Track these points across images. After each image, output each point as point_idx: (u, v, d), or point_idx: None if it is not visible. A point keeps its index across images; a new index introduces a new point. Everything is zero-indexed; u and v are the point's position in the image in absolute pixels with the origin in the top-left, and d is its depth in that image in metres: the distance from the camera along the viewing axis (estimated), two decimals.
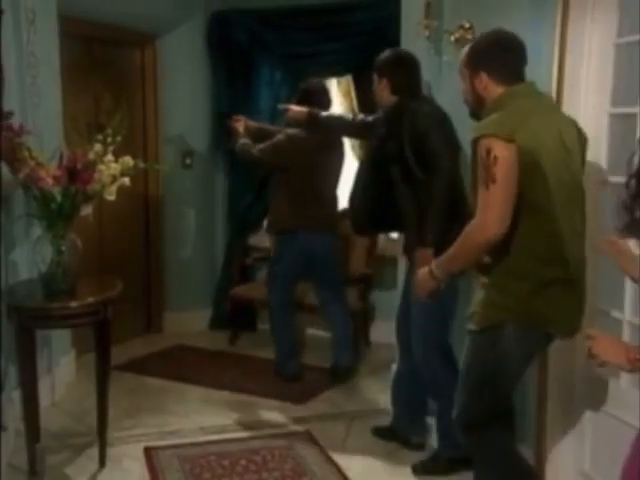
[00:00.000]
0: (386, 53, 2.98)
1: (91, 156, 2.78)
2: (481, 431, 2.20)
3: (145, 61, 4.62)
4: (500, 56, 2.15)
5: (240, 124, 3.93)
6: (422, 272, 2.29)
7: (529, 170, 1.99)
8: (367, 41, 4.21)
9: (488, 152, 1.97)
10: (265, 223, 4.26)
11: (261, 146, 3.81)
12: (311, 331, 4.57)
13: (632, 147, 2.25)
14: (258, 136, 3.92)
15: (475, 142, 2.03)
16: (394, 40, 3.56)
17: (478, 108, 2.19)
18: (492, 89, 2.14)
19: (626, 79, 2.37)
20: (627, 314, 2.34)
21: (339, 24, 4.36)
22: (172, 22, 4.58)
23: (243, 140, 3.87)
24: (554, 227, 2.04)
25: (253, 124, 3.99)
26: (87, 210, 2.85)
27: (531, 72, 2.57)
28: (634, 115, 2.30)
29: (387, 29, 3.80)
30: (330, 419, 3.45)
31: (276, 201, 3.88)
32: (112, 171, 2.78)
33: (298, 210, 3.77)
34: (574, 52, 2.45)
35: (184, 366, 4.18)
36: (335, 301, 3.96)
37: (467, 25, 2.91)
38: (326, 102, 3.82)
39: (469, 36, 2.90)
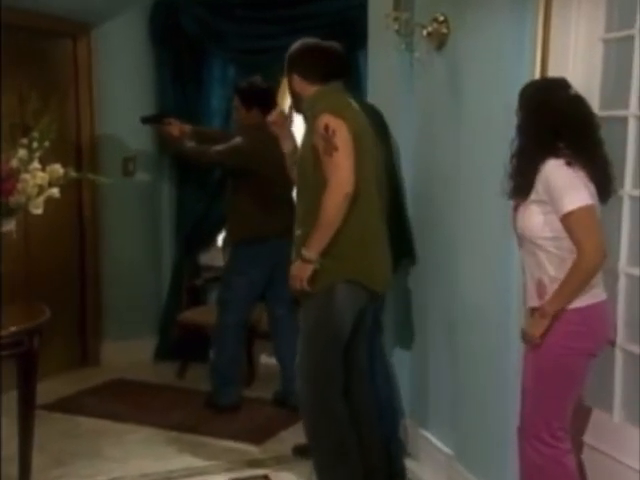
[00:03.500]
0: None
1: (14, 163, 2.78)
2: (314, 380, 2.83)
3: (78, 54, 4.58)
4: (308, 61, 2.88)
5: (174, 128, 3.99)
6: (294, 265, 2.78)
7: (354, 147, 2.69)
8: (333, 34, 4.22)
9: (326, 127, 2.65)
10: (224, 233, 4.26)
11: (219, 148, 3.85)
12: (266, 359, 4.57)
13: (621, 151, 2.33)
14: (197, 139, 3.99)
15: (313, 122, 2.72)
16: (363, 33, 3.59)
17: (297, 103, 2.92)
18: (305, 87, 2.86)
19: (615, 79, 2.42)
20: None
21: (302, 15, 4.37)
22: (110, 9, 4.55)
23: (190, 143, 3.94)
24: (369, 200, 2.75)
25: (188, 127, 4.06)
26: (9, 225, 2.84)
27: (511, 70, 2.60)
28: (625, 119, 2.35)
29: (355, 21, 3.82)
30: (291, 461, 3.43)
31: (241, 208, 3.92)
32: (39, 181, 2.78)
33: (268, 216, 3.85)
34: (558, 48, 2.49)
35: (124, 404, 4.14)
36: (289, 317, 4.00)
37: (441, 18, 2.95)
38: (273, 105, 3.90)
39: (443, 30, 2.95)
